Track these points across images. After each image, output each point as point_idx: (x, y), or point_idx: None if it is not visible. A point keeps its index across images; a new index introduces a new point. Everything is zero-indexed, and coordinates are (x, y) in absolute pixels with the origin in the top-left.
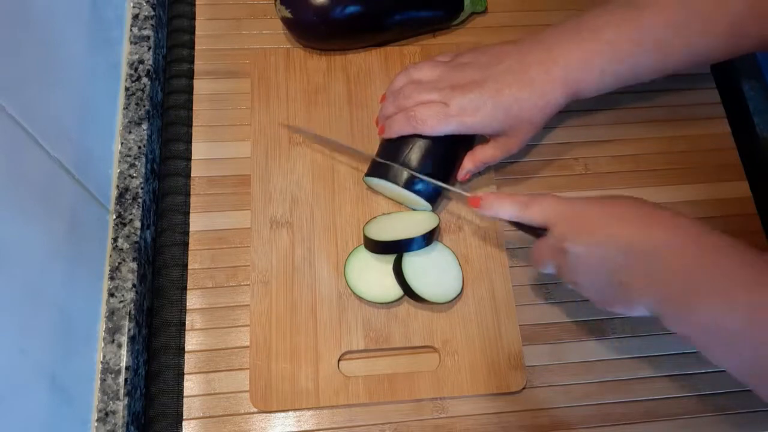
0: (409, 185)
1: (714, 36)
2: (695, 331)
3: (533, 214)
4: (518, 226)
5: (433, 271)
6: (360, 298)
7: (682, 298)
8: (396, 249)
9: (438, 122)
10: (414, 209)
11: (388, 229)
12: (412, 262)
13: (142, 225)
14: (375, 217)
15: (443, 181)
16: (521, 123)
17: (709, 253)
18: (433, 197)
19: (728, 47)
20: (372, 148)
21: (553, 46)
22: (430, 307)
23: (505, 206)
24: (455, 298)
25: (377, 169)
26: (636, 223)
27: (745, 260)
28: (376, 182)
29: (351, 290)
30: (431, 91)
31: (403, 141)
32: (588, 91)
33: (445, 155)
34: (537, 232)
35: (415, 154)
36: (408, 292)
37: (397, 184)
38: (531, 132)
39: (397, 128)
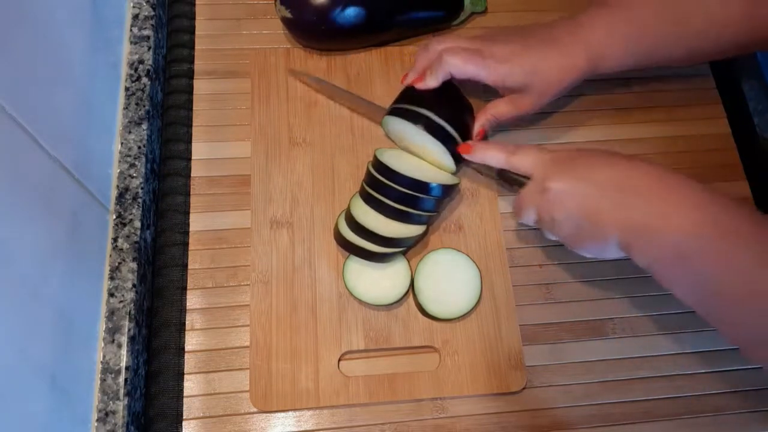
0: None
1: (734, 3)
2: (657, 255)
3: (519, 161)
4: (504, 179)
5: (448, 286)
6: (359, 300)
7: (646, 222)
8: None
9: (464, 61)
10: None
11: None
12: (425, 274)
13: (142, 225)
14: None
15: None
16: (540, 80)
17: (672, 185)
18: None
19: (744, 21)
20: (374, 149)
21: (579, 14)
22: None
23: (493, 153)
24: (466, 314)
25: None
26: (614, 166)
27: (704, 188)
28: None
29: (350, 292)
30: (466, 43)
31: (421, 94)
32: (612, 59)
33: (461, 116)
34: (521, 182)
35: (435, 101)
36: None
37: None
38: (546, 93)
39: (424, 63)
